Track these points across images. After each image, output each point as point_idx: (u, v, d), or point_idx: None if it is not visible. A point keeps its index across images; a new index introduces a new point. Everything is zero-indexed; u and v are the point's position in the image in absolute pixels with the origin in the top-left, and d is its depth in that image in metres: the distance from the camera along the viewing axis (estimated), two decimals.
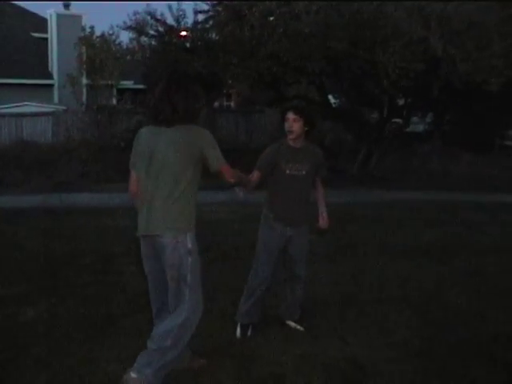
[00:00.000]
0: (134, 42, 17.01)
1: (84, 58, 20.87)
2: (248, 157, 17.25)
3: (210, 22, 14.99)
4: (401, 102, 17.68)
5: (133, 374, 3.63)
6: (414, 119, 20.59)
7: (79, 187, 14.33)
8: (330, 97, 18.81)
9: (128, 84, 22.90)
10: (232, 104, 27.10)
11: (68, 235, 8.35)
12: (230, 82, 16.40)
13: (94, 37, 21.14)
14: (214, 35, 15.19)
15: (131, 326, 4.89)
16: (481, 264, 7.35)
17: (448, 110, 18.76)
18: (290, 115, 4.70)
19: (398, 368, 4.17)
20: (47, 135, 18.79)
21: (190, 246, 3.76)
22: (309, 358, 4.28)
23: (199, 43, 14.89)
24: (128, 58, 18.60)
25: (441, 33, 12.51)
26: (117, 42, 20.55)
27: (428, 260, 7.45)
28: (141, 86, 20.76)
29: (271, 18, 13.77)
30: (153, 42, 16.55)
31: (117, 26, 18.91)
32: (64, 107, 20.74)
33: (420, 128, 22.82)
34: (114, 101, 22.48)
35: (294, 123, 4.69)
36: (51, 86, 24.70)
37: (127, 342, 4.52)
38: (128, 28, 16.16)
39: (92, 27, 21.55)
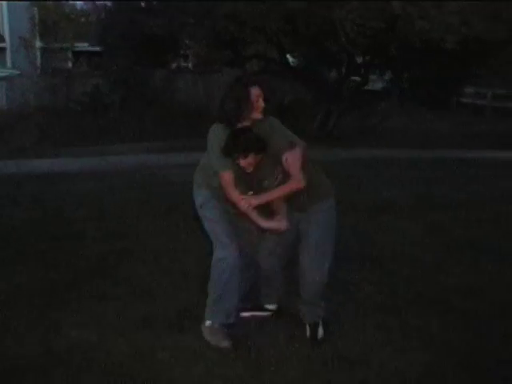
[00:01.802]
0: (88, 3, 16.57)
1: (37, 19, 20.31)
2: (208, 118, 17.28)
3: None
4: (359, 60, 17.65)
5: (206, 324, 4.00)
6: (373, 77, 20.60)
7: (37, 153, 14.07)
8: (288, 56, 18.68)
9: (83, 46, 22.39)
10: (189, 65, 26.71)
11: (26, 202, 8.21)
12: (187, 42, 16.14)
13: None
14: None
15: (93, 290, 4.86)
16: (441, 219, 7.49)
17: (406, 68, 18.79)
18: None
19: (360, 323, 4.26)
20: (1, 101, 18.32)
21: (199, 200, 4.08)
22: (272, 317, 4.34)
23: (155, 3, 14.57)
24: (82, 19, 18.15)
25: None
26: (70, 3, 20.05)
27: (389, 217, 7.53)
28: (96, 49, 20.30)
29: None
30: (107, 3, 16.14)
31: None
32: (18, 71, 20.22)
33: (378, 86, 22.87)
34: (70, 64, 21.99)
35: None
36: (3, 49, 23.97)
37: (90, 307, 4.52)
38: None
39: None
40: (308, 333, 4.06)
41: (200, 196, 4.12)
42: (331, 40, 13.52)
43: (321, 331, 4.05)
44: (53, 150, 14.22)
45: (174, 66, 23.08)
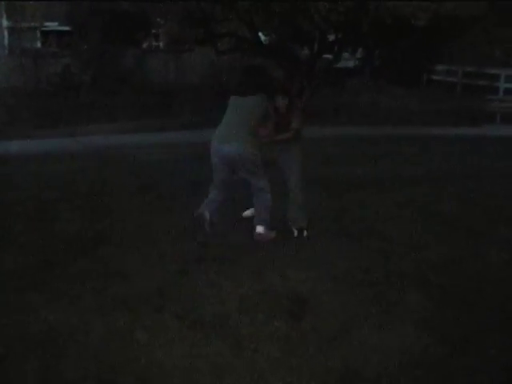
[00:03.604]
0: None
1: None
2: (180, 97, 17.17)
3: None
4: (331, 37, 17.61)
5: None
6: (345, 55, 20.60)
7: (7, 135, 13.84)
8: (260, 34, 18.57)
9: (52, 26, 21.95)
10: (161, 45, 26.44)
11: None
12: (159, 20, 15.94)
13: None
14: None
15: (70, 272, 4.82)
16: (415, 194, 7.56)
17: (378, 46, 18.85)
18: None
19: (338, 300, 4.29)
20: None
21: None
22: (251, 295, 4.34)
23: None
24: None
25: None
26: None
27: (364, 193, 7.57)
28: (66, 28, 19.92)
29: None
30: None
31: None
32: None
33: (350, 64, 22.92)
34: (39, 44, 21.57)
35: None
36: None
37: (67, 289, 4.47)
38: None
39: None
40: (296, 234, 5.79)
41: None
42: (303, 17, 13.43)
43: (305, 232, 5.79)
44: (23, 132, 14.01)
45: (145, 45, 22.83)
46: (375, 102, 19.29)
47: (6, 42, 20.56)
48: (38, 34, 21.47)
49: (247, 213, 6.35)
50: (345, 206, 6.96)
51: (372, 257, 5.24)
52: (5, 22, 20.48)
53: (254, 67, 5.25)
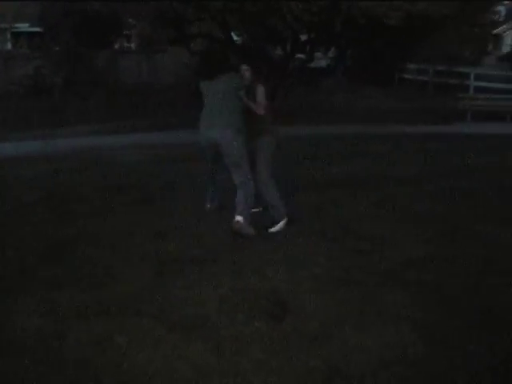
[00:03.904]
0: None
1: None
2: (153, 98, 17.07)
3: None
4: (303, 37, 17.68)
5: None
6: (317, 54, 20.69)
7: None
8: (233, 34, 18.56)
9: (23, 27, 21.67)
10: (132, 46, 26.32)
11: None
12: (131, 21, 15.84)
13: None
14: None
15: (47, 275, 4.74)
16: (390, 194, 7.61)
17: (350, 45, 18.97)
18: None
19: (319, 299, 4.28)
20: None
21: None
22: (231, 296, 4.31)
23: None
24: None
25: None
26: None
27: (340, 192, 7.60)
28: (37, 29, 19.68)
29: None
30: None
31: None
32: None
33: (323, 63, 23.01)
34: (9, 45, 21.29)
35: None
36: None
37: (44, 293, 4.39)
38: None
39: None
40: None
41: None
42: (276, 17, 13.46)
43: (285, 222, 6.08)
44: None
45: (116, 46, 22.70)
46: (348, 101, 19.39)
47: None
48: (9, 36, 21.21)
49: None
50: (322, 205, 6.97)
51: (351, 256, 5.24)
52: None
53: (212, 51, 5.80)
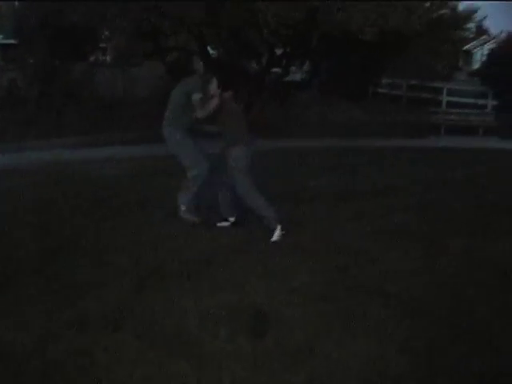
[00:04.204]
0: None
1: None
2: (128, 111, 16.98)
3: None
4: (278, 51, 17.79)
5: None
6: (292, 68, 20.77)
7: None
8: (208, 47, 18.60)
9: None
10: (108, 58, 26.18)
11: None
12: (108, 34, 15.79)
13: None
14: None
15: (24, 290, 4.68)
16: (366, 207, 7.66)
17: (324, 59, 19.12)
18: None
19: (300, 313, 4.28)
20: None
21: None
22: (212, 311, 4.29)
23: None
24: None
25: None
26: None
27: (317, 205, 7.64)
28: (11, 41, 19.47)
29: None
30: None
31: None
32: None
33: (297, 77, 23.11)
34: None
35: None
36: None
37: (22, 308, 4.34)
38: None
39: None
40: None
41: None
42: (253, 31, 13.54)
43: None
44: None
45: (91, 59, 22.54)
46: (323, 115, 19.47)
47: None
48: None
49: (223, 223, 6.59)
50: (300, 219, 6.98)
51: (332, 270, 5.25)
52: None
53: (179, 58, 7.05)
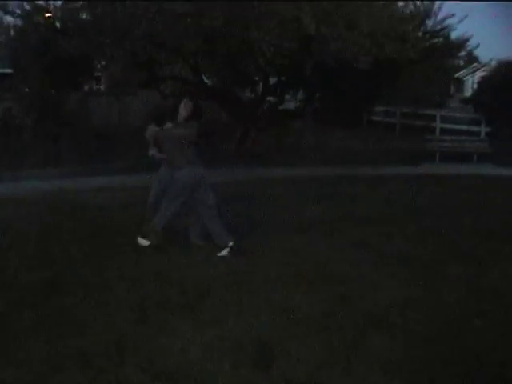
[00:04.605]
0: None
1: None
2: (123, 140, 17.00)
3: (80, 2, 14.36)
4: (273, 80, 17.91)
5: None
6: (286, 97, 20.90)
7: None
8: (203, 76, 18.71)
9: None
10: (102, 87, 26.29)
11: None
12: (103, 63, 15.85)
13: None
14: (85, 15, 14.57)
15: (23, 324, 4.61)
16: (365, 235, 7.63)
17: (318, 88, 19.23)
18: None
19: (304, 345, 4.24)
20: None
21: None
22: (215, 343, 4.24)
23: (70, 23, 14.22)
24: None
25: (312, 12, 12.76)
26: None
27: (315, 234, 7.61)
28: (7, 70, 19.51)
29: None
30: (18, 22, 15.60)
31: None
32: None
33: (291, 105, 23.24)
34: None
35: None
36: None
37: (21, 343, 4.27)
38: None
39: None
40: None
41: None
42: (248, 60, 13.62)
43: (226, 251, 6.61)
44: None
45: (86, 87, 22.63)
46: (318, 143, 19.54)
47: None
48: None
49: (223, 253, 6.63)
50: (298, 248, 6.95)
51: (332, 299, 5.21)
52: None
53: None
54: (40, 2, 14.69)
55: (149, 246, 6.81)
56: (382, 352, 4.15)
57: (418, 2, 16.93)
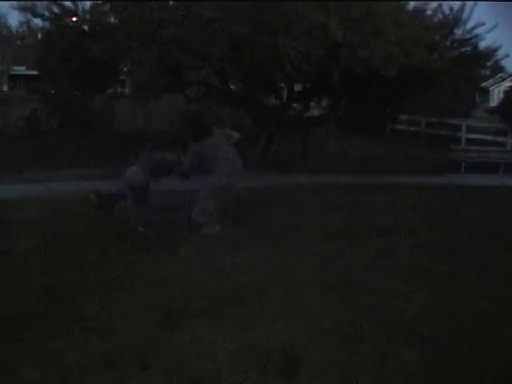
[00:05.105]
0: (24, 26, 16.15)
1: None
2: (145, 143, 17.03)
3: (108, 5, 14.43)
4: (297, 87, 17.89)
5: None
6: (311, 104, 20.86)
7: None
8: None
9: (20, 70, 21.73)
10: (126, 90, 26.49)
11: None
12: (130, 66, 15.94)
13: None
14: (113, 18, 14.66)
15: (47, 326, 4.58)
16: (390, 245, 7.53)
17: (343, 95, 19.15)
18: None
19: (331, 354, 4.17)
20: None
21: None
22: (241, 351, 4.18)
23: (98, 26, 14.30)
24: (17, 42, 17.67)
25: (340, 19, 12.71)
26: (6, 25, 19.50)
27: (341, 243, 7.52)
28: (34, 72, 19.73)
29: (170, 2, 13.50)
30: (47, 25, 15.72)
31: (9, 7, 17.73)
32: None
33: (315, 112, 23.18)
34: (6, 87, 21.30)
35: None
36: None
37: (46, 345, 4.24)
38: (22, 9, 15.18)
39: None
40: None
41: None
42: (275, 67, 13.60)
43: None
44: None
45: (110, 90, 22.81)
46: (341, 151, 19.46)
47: None
48: (6, 78, 21.23)
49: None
50: (322, 256, 6.87)
51: (357, 309, 5.14)
52: None
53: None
54: (68, 5, 14.78)
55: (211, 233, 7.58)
56: (410, 363, 4.08)
57: (447, 11, 16.82)
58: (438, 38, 15.65)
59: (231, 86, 18.82)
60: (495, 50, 18.05)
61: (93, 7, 14.86)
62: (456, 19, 16.77)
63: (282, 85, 18.13)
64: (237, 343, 4.30)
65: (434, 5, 16.68)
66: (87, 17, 14.68)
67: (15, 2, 14.77)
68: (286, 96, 17.73)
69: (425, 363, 4.08)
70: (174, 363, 3.99)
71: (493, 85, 38.70)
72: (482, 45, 18.11)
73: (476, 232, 8.52)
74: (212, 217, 7.79)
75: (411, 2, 16.23)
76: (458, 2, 17.15)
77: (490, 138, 22.41)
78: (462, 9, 16.70)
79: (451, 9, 16.93)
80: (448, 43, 16.75)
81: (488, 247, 7.62)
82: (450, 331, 4.69)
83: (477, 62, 18.20)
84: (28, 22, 15.75)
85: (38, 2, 14.56)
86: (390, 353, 4.23)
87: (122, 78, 22.54)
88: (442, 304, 5.35)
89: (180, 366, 3.97)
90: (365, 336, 4.53)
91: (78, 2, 14.46)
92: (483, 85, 35.80)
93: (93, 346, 4.23)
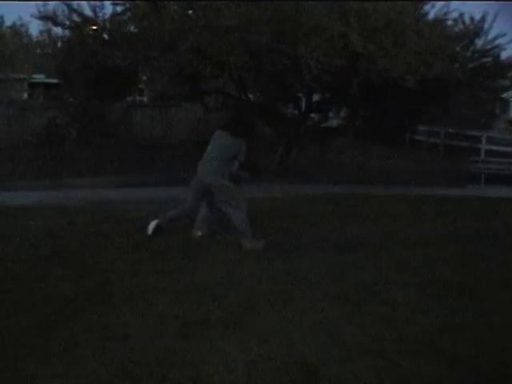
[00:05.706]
0: (45, 34, 16.27)
1: None
2: (165, 152, 17.09)
3: (128, 14, 14.53)
4: (316, 97, 17.86)
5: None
6: (329, 114, 20.81)
7: None
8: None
9: (40, 78, 21.92)
10: (145, 99, 26.58)
11: None
12: (149, 75, 16.01)
13: (4, 27, 20.18)
14: (132, 27, 14.76)
15: (65, 335, 4.55)
16: (409, 257, 7.44)
17: (362, 106, 19.09)
18: None
19: (349, 368, 4.10)
20: None
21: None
22: (259, 363, 4.13)
23: (118, 35, 14.38)
24: (38, 50, 17.83)
25: (360, 29, 12.69)
26: (27, 34, 19.71)
27: (359, 254, 7.45)
28: (53, 80, 19.90)
29: (190, 12, 13.54)
30: (67, 34, 15.86)
31: (30, 16, 17.84)
32: None
33: (334, 123, 23.14)
34: (26, 95, 21.50)
35: None
36: None
37: (63, 354, 4.22)
38: (43, 18, 15.33)
39: (1, 17, 20.61)
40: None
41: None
42: (294, 76, 13.58)
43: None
44: (6, 183, 13.74)
45: (128, 99, 22.92)
46: (359, 162, 19.38)
47: None
48: (26, 86, 21.42)
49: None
50: (342, 268, 6.80)
51: (376, 322, 5.06)
52: None
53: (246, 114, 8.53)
54: (89, 14, 14.89)
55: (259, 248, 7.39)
56: (430, 378, 4.00)
57: (468, 21, 16.68)
58: (458, 48, 15.53)
59: (250, 96, 18.83)
60: None
61: (113, 16, 14.95)
62: (477, 29, 16.61)
63: (301, 95, 18.07)
64: (254, 354, 4.24)
65: (454, 15, 16.54)
66: (107, 25, 14.77)
67: (36, 11, 14.83)
68: (304, 106, 17.68)
69: (445, 378, 4.00)
70: (191, 373, 3.95)
71: None
72: (504, 55, 17.94)
73: (497, 244, 8.41)
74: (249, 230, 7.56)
75: (432, 12, 16.00)
76: (479, 12, 16.90)
77: (510, 149, 22.22)
78: (483, 19, 16.56)
79: (472, 19, 16.80)
80: (469, 54, 16.60)
81: (506, 260, 7.50)
82: (472, 346, 4.60)
83: (498, 72, 17.98)
84: (48, 31, 15.84)
85: (59, 11, 14.67)
86: (410, 367, 4.16)
87: (140, 86, 22.61)
88: (464, 318, 5.25)
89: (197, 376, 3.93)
90: (384, 350, 4.45)
91: (98, 10, 14.54)
92: (504, 95, 35.52)
93: (109, 355, 4.19)
